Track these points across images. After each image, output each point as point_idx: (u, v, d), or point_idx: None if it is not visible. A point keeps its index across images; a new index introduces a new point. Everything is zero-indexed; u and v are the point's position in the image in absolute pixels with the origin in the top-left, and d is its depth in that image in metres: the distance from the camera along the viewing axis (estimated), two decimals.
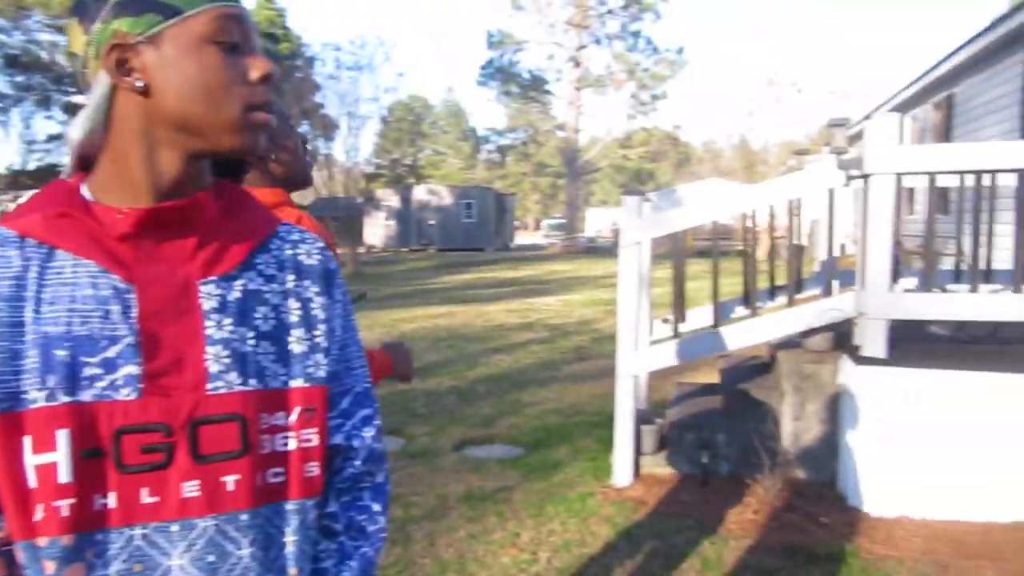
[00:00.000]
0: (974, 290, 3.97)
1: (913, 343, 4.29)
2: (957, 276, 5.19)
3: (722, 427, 4.50)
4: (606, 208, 52.19)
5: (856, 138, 11.02)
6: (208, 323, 0.92)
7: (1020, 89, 8.54)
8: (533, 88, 43.63)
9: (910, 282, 5.19)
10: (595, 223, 49.10)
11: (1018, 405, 3.75)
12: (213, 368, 0.92)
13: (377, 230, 38.52)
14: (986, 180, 4.07)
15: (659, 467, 4.52)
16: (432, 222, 37.58)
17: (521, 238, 52.23)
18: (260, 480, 0.95)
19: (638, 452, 4.55)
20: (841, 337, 4.37)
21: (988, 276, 4.72)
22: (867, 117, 3.87)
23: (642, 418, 4.71)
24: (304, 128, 31.14)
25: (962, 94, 10.77)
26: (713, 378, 6.05)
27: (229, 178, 1.03)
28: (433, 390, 7.02)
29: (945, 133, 11.00)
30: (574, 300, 14.68)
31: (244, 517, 0.93)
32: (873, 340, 3.97)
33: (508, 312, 12.82)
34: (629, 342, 4.41)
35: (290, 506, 0.98)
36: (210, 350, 0.92)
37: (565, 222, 43.43)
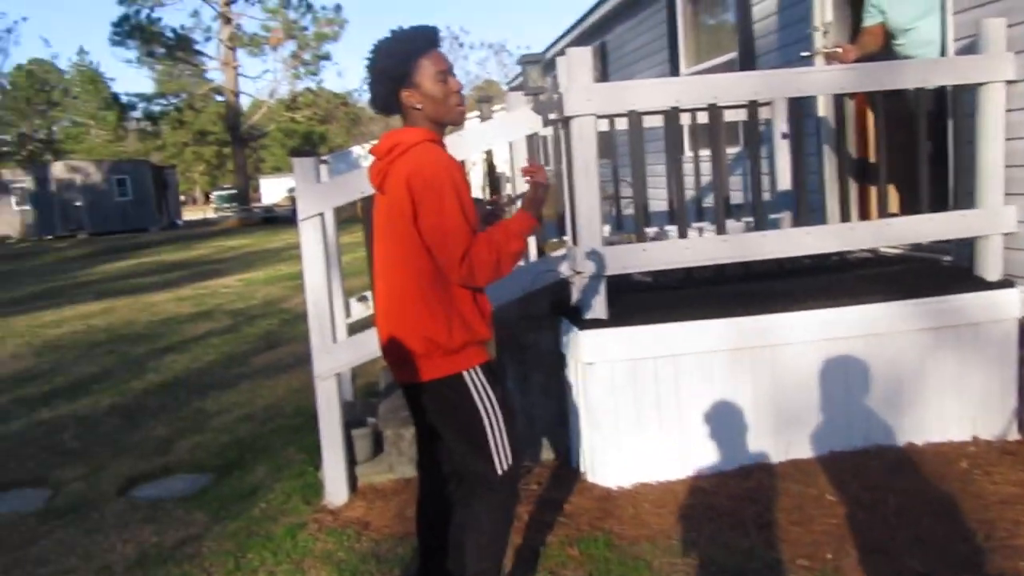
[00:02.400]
0: (683, 236, 3.79)
1: (622, 295, 4.06)
2: (645, 221, 5.13)
3: None
4: (280, 175, 49.70)
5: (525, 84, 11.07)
6: None
7: (666, 35, 8.96)
8: (180, 48, 39.61)
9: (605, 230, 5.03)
10: (271, 191, 46.62)
11: (732, 348, 3.65)
12: None
13: (10, 218, 32.99)
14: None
15: (380, 475, 3.88)
16: (79, 203, 32.85)
17: (190, 213, 48.13)
18: None
19: (352, 462, 3.86)
20: (557, 298, 4.02)
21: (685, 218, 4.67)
22: (560, 53, 3.50)
23: (352, 420, 4.02)
24: None
25: (613, 42, 11.24)
26: None
27: None
28: (88, 413, 5.70)
29: (603, 80, 11.44)
30: (256, 278, 13.44)
31: None
32: (592, 300, 3.64)
33: (180, 301, 11.28)
34: (324, 338, 3.67)
35: None
36: None
37: (237, 192, 40.58)
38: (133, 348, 8.04)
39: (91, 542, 3.58)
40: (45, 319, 10.42)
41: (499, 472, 2.38)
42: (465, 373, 2.35)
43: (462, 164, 2.43)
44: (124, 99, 46.82)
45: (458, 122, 2.48)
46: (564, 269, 3.82)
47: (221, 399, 5.84)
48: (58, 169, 33.95)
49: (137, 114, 46.85)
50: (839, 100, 3.74)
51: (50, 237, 32.07)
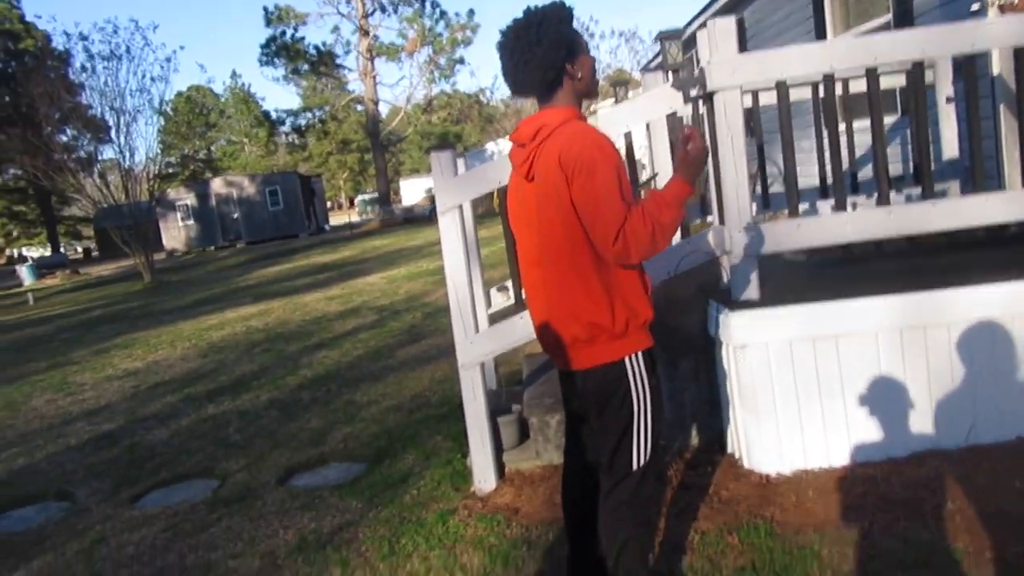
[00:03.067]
0: (841, 208, 3.55)
1: (774, 275, 3.85)
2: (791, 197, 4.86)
3: None
4: (419, 176, 51.19)
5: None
6: None
7: (810, 2, 8.51)
8: (323, 63, 41.61)
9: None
10: (410, 192, 48.06)
11: (902, 327, 3.37)
12: None
13: (177, 233, 35.64)
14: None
15: (526, 461, 3.86)
16: (236, 215, 35.14)
17: (336, 218, 50.34)
18: None
19: (499, 449, 3.86)
20: (704, 280, 3.87)
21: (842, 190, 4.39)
22: (702, 26, 3.35)
23: (497, 408, 4.03)
24: (69, 134, 27.79)
25: (751, 17, 10.80)
26: None
27: None
28: (249, 408, 6.01)
29: None
30: (399, 275, 13.84)
31: None
32: (743, 281, 3.47)
33: (329, 300, 11.78)
34: (466, 328, 3.68)
35: None
36: None
37: (379, 196, 42.12)
38: (288, 346, 8.44)
39: (255, 529, 3.74)
40: (209, 323, 11.13)
41: (635, 467, 2.30)
42: (627, 360, 2.26)
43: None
44: (273, 116, 49.73)
45: (596, 94, 2.40)
46: (712, 249, 3.66)
47: (370, 391, 6.02)
48: (217, 185, 36.38)
49: (285, 128, 49.60)
50: (1020, 55, 3.37)
51: (212, 248, 34.44)
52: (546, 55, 2.18)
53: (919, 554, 2.65)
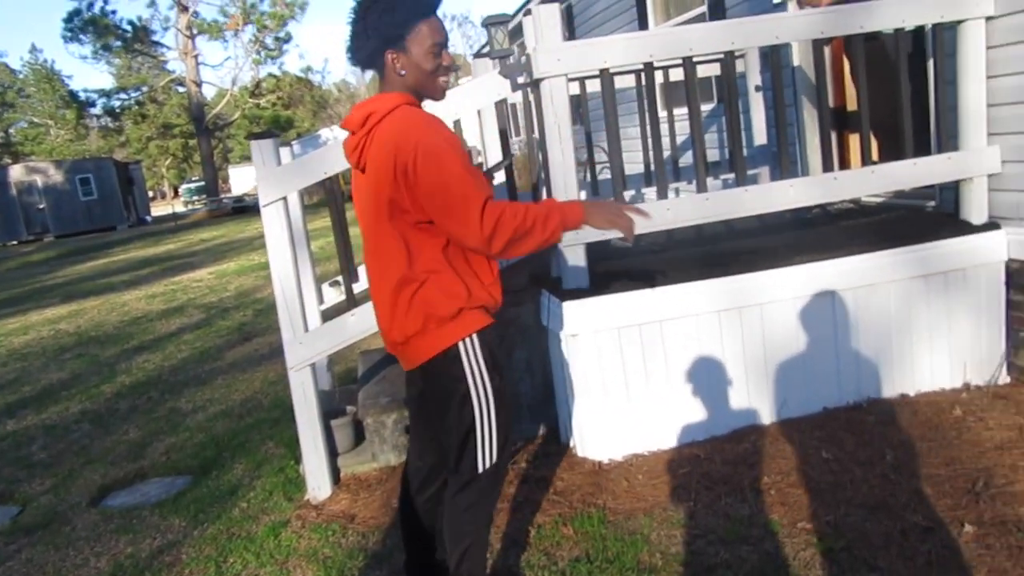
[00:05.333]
0: (663, 196, 3.65)
1: (602, 262, 3.92)
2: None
3: None
4: (249, 164, 48.86)
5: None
6: None
7: None
8: (137, 40, 38.79)
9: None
10: (240, 181, 45.86)
11: (719, 310, 3.53)
12: None
13: None
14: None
15: (363, 465, 3.74)
16: (41, 206, 32.15)
17: (159, 209, 47.29)
18: None
19: (333, 453, 3.71)
20: (536, 270, 3.88)
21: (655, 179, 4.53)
22: (527, 12, 3.31)
23: (331, 410, 3.87)
24: None
25: (579, 5, 11.01)
26: None
27: None
28: (56, 422, 5.50)
29: None
30: (228, 270, 13.17)
31: None
32: (572, 270, 3.50)
33: (151, 298, 11.01)
34: (295, 327, 3.50)
35: None
36: None
37: (206, 184, 39.93)
38: (103, 350, 7.81)
39: (62, 558, 3.41)
40: (9, 327, 10.12)
41: (480, 470, 2.23)
42: (461, 348, 2.13)
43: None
44: (82, 96, 45.83)
45: (438, 99, 2.22)
46: None
47: (196, 396, 5.66)
48: (17, 172, 33.09)
49: (96, 111, 45.90)
50: (818, 47, 3.59)
51: (14, 242, 31.39)
52: (365, 33, 2.08)
53: (739, 529, 2.77)
